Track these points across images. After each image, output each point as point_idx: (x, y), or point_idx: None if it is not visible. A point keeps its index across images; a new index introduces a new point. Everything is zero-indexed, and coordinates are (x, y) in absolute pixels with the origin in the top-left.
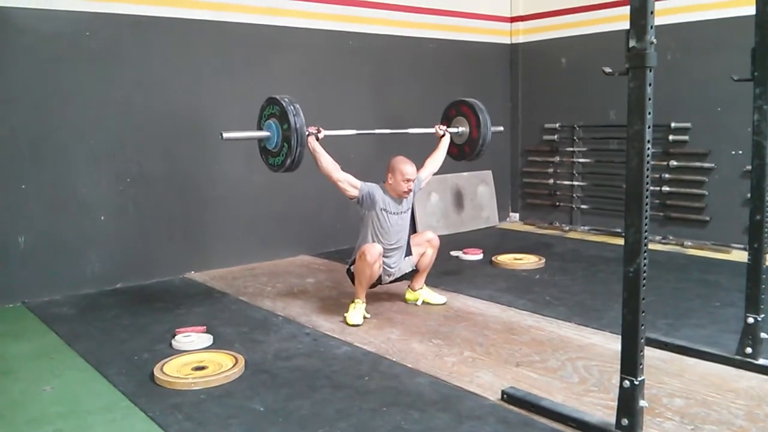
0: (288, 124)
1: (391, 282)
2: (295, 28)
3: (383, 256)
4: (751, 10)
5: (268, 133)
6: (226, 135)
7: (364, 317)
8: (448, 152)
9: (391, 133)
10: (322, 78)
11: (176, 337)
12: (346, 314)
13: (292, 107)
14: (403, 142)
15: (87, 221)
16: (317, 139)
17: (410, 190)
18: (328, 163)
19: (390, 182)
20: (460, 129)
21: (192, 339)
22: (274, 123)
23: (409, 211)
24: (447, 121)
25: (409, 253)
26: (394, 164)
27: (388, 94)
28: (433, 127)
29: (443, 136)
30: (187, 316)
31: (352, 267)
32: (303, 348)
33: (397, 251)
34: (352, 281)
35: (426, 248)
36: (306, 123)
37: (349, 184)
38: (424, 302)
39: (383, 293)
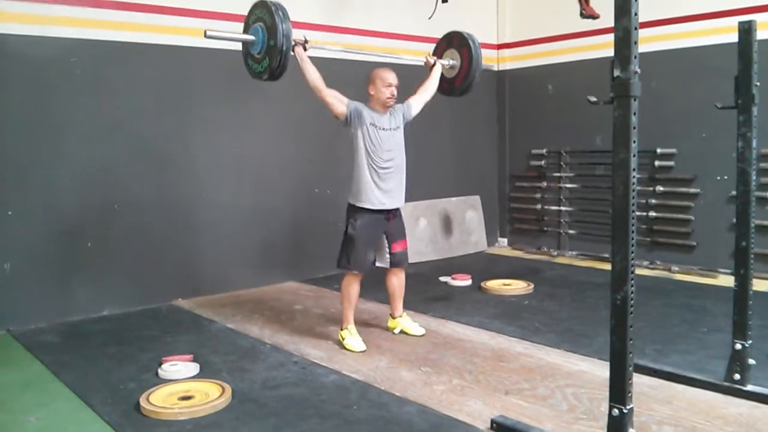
0: (275, 27)
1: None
2: None
3: (379, 180)
4: (734, 37)
5: (253, 37)
6: (209, 33)
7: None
8: (438, 86)
9: (381, 59)
10: (309, 106)
11: (163, 366)
12: (343, 342)
13: (280, 12)
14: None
15: (73, 248)
16: (305, 49)
17: (393, 96)
18: (316, 75)
19: (372, 93)
20: (452, 61)
21: (179, 368)
22: (260, 27)
23: (401, 130)
24: (438, 56)
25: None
26: (373, 74)
27: None
28: (424, 59)
29: (434, 65)
30: (173, 344)
31: (349, 229)
32: (291, 376)
33: (393, 173)
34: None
35: (392, 276)
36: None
37: (337, 99)
38: (402, 331)
39: (372, 319)
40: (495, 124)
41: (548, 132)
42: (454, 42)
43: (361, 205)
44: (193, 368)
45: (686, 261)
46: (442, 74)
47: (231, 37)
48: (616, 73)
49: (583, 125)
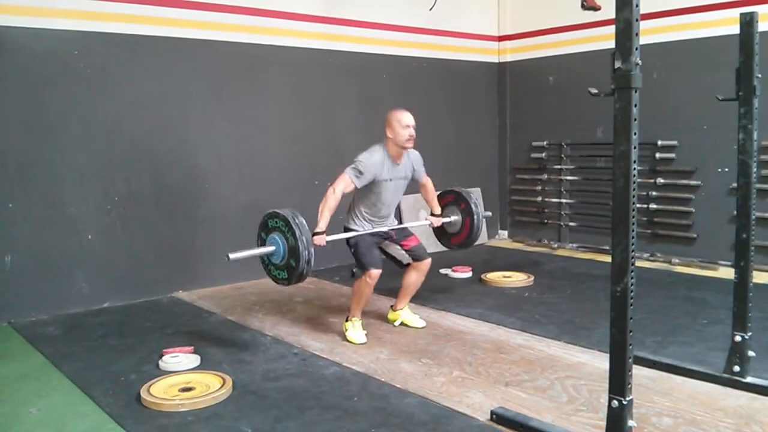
0: (295, 239)
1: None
2: (284, 46)
3: (372, 217)
4: (735, 29)
5: (273, 248)
6: (232, 256)
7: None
8: (445, 243)
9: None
10: (310, 97)
11: (164, 358)
12: (345, 333)
13: (296, 221)
14: None
15: (74, 240)
16: (324, 243)
17: (412, 137)
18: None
19: (390, 137)
20: (453, 217)
21: (179, 359)
22: (279, 238)
23: (406, 182)
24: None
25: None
26: (389, 117)
27: (376, 112)
28: (427, 218)
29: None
30: (174, 336)
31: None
32: (291, 368)
33: (388, 211)
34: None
35: (413, 271)
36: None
37: (346, 192)
38: (402, 324)
39: (373, 311)
40: (496, 116)
41: (549, 124)
42: (450, 198)
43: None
44: (194, 360)
45: (687, 253)
46: (446, 232)
47: (253, 254)
48: (617, 64)
49: (584, 117)
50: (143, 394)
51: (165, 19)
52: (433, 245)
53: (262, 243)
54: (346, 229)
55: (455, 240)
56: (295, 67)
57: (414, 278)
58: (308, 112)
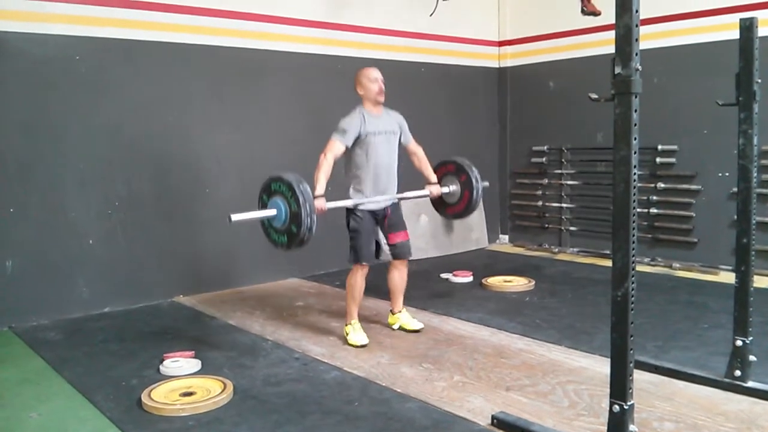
0: (298, 205)
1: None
2: (284, 52)
3: (372, 182)
4: (735, 34)
5: (274, 212)
6: (234, 217)
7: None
8: (443, 212)
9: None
10: (311, 101)
11: (164, 362)
12: (347, 337)
13: (301, 187)
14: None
15: (75, 245)
16: (325, 207)
17: (381, 90)
18: (327, 176)
19: (361, 93)
20: (452, 187)
21: (180, 364)
22: (281, 201)
23: (395, 138)
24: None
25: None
26: (357, 75)
27: None
28: (424, 187)
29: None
30: (175, 341)
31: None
32: (292, 373)
33: (385, 173)
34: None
35: (394, 271)
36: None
37: (337, 152)
38: (400, 328)
39: (373, 315)
40: (496, 121)
41: (549, 129)
42: (449, 169)
43: (358, 206)
44: (195, 364)
45: (687, 257)
46: (444, 202)
47: (254, 216)
48: (617, 70)
49: (584, 122)
50: (144, 398)
51: (165, 25)
52: (433, 250)
53: (264, 206)
54: (350, 213)
55: (452, 210)
56: (296, 72)
57: (397, 278)
58: (308, 117)
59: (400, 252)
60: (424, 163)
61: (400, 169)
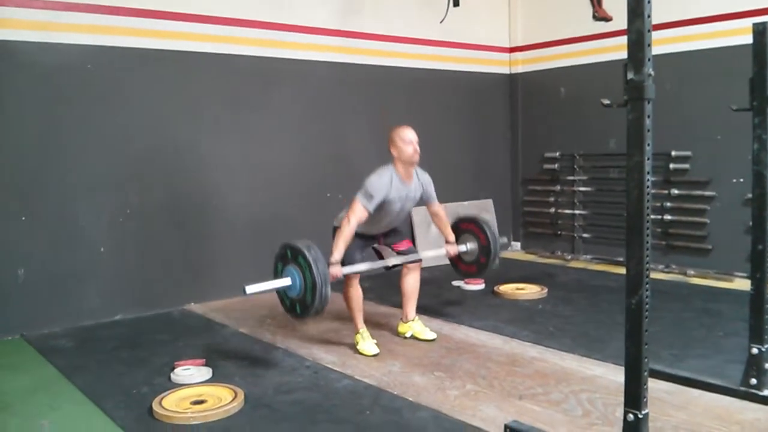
0: (312, 275)
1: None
2: (295, 59)
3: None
4: (748, 39)
5: (289, 282)
6: (248, 289)
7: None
8: (462, 271)
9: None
10: (322, 110)
11: (175, 370)
12: (357, 347)
13: (313, 255)
14: None
15: (86, 253)
16: (341, 274)
17: (416, 152)
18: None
19: (395, 154)
20: (469, 246)
21: (191, 372)
22: (295, 271)
23: (413, 202)
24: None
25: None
26: (392, 135)
27: (388, 124)
28: (443, 246)
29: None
30: (186, 349)
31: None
32: (303, 381)
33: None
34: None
35: (408, 275)
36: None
37: (361, 220)
38: (413, 336)
39: (384, 323)
40: (507, 127)
41: (561, 135)
42: (466, 227)
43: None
44: (206, 372)
45: (702, 264)
46: (463, 260)
47: (269, 287)
48: (630, 75)
49: (597, 128)
50: (155, 406)
51: (177, 33)
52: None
53: (279, 274)
54: (335, 229)
55: (467, 268)
56: (307, 80)
57: (411, 282)
58: (320, 125)
59: (409, 255)
60: (444, 223)
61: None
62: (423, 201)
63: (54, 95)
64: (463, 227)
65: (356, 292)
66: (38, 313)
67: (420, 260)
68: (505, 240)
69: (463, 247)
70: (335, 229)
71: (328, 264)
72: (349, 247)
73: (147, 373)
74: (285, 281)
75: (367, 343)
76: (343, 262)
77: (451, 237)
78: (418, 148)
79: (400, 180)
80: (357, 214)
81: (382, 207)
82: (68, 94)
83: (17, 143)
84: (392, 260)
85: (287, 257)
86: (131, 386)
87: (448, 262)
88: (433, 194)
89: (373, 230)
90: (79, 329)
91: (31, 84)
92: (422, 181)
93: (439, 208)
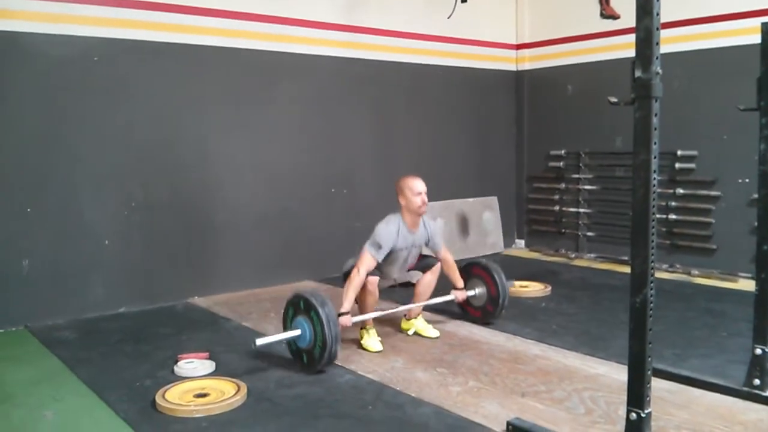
0: (320, 321)
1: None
2: (301, 54)
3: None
4: (757, 39)
5: (299, 332)
6: (258, 342)
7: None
8: (471, 316)
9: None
10: (327, 104)
11: (179, 363)
12: (362, 342)
13: (325, 310)
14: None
15: (91, 246)
16: (350, 324)
17: (425, 203)
18: (357, 290)
19: (403, 204)
20: (477, 291)
21: (195, 365)
22: (305, 322)
23: (419, 250)
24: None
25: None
26: (401, 184)
27: (393, 121)
28: (450, 292)
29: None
30: (189, 342)
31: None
32: (306, 376)
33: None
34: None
35: (427, 273)
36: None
37: (369, 269)
38: (416, 333)
39: (387, 321)
40: (513, 124)
41: (567, 133)
42: (474, 272)
43: None
44: (209, 366)
45: (706, 264)
46: (472, 305)
47: (279, 339)
48: (638, 73)
49: (603, 126)
50: (158, 399)
51: (183, 27)
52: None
53: (289, 321)
54: (345, 275)
55: (474, 312)
56: (312, 75)
57: (428, 278)
58: (324, 120)
59: (428, 263)
60: (452, 269)
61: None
62: (428, 246)
63: (60, 87)
64: (474, 272)
65: (370, 298)
66: (42, 304)
67: (438, 263)
68: (511, 286)
69: (471, 293)
70: (345, 276)
71: (339, 315)
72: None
73: (150, 366)
74: (295, 332)
75: (372, 339)
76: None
77: (460, 283)
78: (426, 199)
79: (407, 229)
80: (366, 264)
81: (389, 255)
82: (74, 87)
83: (23, 135)
84: (415, 276)
85: (299, 307)
86: (134, 379)
87: (456, 258)
88: (440, 243)
89: (383, 280)
90: (83, 321)
91: (37, 76)
92: (429, 230)
93: (446, 254)
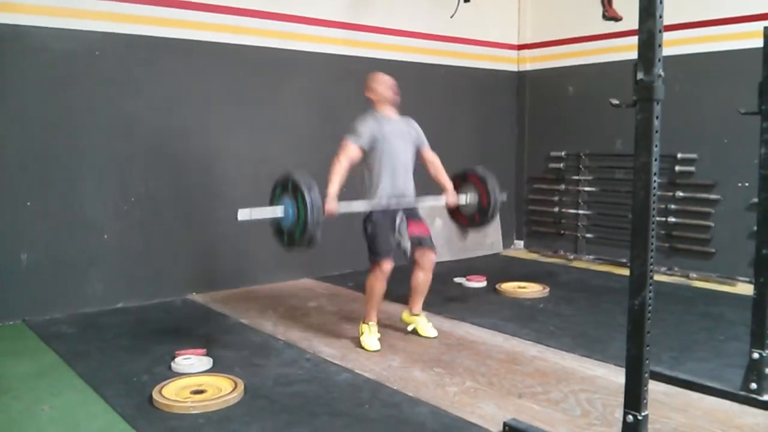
0: (305, 213)
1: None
2: (304, 51)
3: (390, 186)
4: (759, 42)
5: (281, 215)
6: (240, 215)
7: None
8: (458, 222)
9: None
10: (330, 102)
11: (176, 360)
12: (361, 338)
13: (305, 181)
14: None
15: (91, 240)
16: (335, 211)
17: (396, 91)
18: (342, 177)
19: (374, 98)
20: (468, 198)
21: (192, 362)
22: (290, 202)
23: (411, 140)
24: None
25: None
26: (368, 82)
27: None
28: (441, 193)
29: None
30: (187, 338)
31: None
32: (303, 373)
33: (401, 175)
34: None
35: (418, 271)
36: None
37: (351, 155)
38: (414, 331)
39: (386, 318)
40: (514, 125)
41: (568, 134)
42: (469, 178)
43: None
44: (206, 362)
45: (705, 268)
46: (460, 212)
47: (262, 216)
48: (640, 75)
49: (604, 128)
50: (155, 395)
51: (186, 22)
52: (447, 254)
53: (276, 198)
54: (366, 218)
55: (467, 220)
56: (315, 73)
57: (421, 277)
58: (327, 117)
59: (421, 241)
60: (441, 172)
61: (415, 177)
62: (417, 146)
63: (61, 81)
64: (470, 179)
65: (379, 285)
66: (41, 298)
67: (434, 253)
68: (505, 198)
69: (463, 199)
70: (365, 219)
71: (324, 198)
72: (381, 232)
73: (148, 362)
74: (278, 211)
75: (371, 337)
76: (379, 252)
77: (450, 186)
78: (396, 88)
79: (383, 116)
80: (347, 151)
81: (383, 145)
82: (75, 81)
83: (24, 128)
84: (404, 241)
85: (287, 187)
86: (132, 374)
87: (453, 258)
88: (425, 139)
89: (394, 185)
90: (81, 316)
91: (39, 69)
92: (408, 122)
93: (433, 155)
